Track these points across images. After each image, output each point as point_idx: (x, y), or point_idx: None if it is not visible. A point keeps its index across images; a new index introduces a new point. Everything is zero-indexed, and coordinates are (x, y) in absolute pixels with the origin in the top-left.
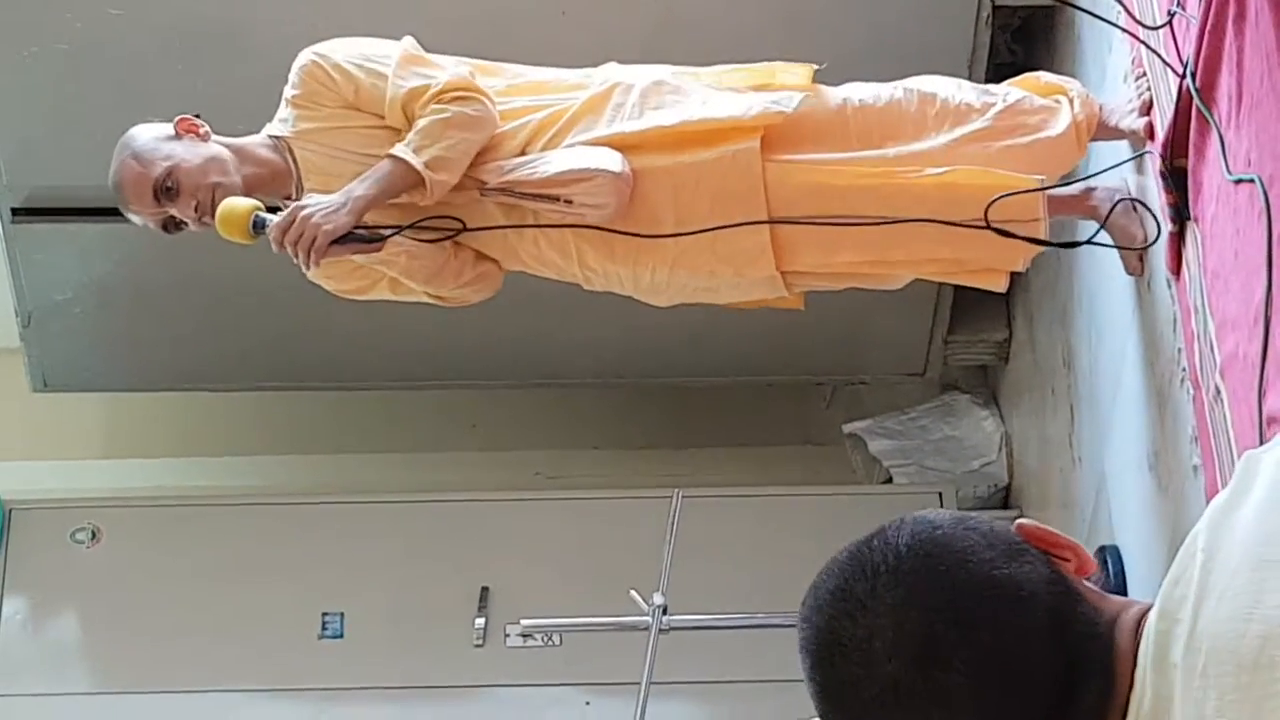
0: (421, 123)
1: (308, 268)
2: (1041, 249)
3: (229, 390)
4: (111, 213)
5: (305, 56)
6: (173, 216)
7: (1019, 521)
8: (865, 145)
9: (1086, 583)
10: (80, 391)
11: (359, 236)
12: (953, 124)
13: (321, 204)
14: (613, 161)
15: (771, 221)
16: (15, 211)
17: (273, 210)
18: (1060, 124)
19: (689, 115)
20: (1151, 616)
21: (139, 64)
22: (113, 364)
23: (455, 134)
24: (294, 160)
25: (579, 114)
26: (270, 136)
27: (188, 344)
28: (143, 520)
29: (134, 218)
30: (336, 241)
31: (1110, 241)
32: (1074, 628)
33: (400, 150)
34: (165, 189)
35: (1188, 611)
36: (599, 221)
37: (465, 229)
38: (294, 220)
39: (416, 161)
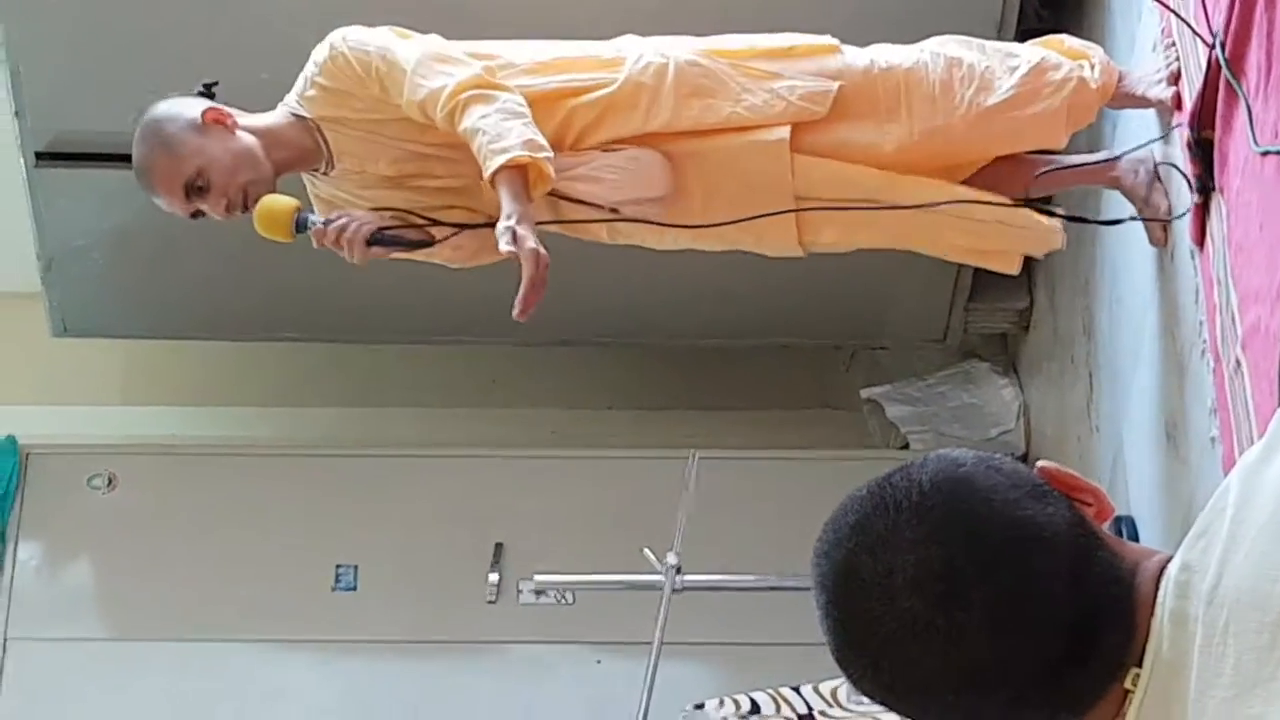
0: (481, 136)
1: (351, 261)
2: (1058, 248)
3: (248, 340)
4: (135, 165)
5: (333, 45)
6: (201, 211)
7: (1041, 463)
8: (892, 113)
9: (1105, 528)
10: (100, 337)
11: (408, 241)
12: (978, 90)
13: (522, 235)
14: (657, 184)
15: (797, 210)
16: (39, 156)
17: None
18: (1079, 87)
19: (724, 114)
20: (1172, 567)
21: (165, 8)
22: (133, 311)
23: (514, 122)
24: (325, 141)
25: (615, 103)
26: (295, 115)
27: (208, 293)
28: (159, 468)
29: (159, 202)
30: (384, 243)
31: (1133, 211)
32: (1095, 572)
33: (492, 163)
34: (196, 188)
35: (1212, 564)
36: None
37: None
38: (344, 230)
39: (519, 154)
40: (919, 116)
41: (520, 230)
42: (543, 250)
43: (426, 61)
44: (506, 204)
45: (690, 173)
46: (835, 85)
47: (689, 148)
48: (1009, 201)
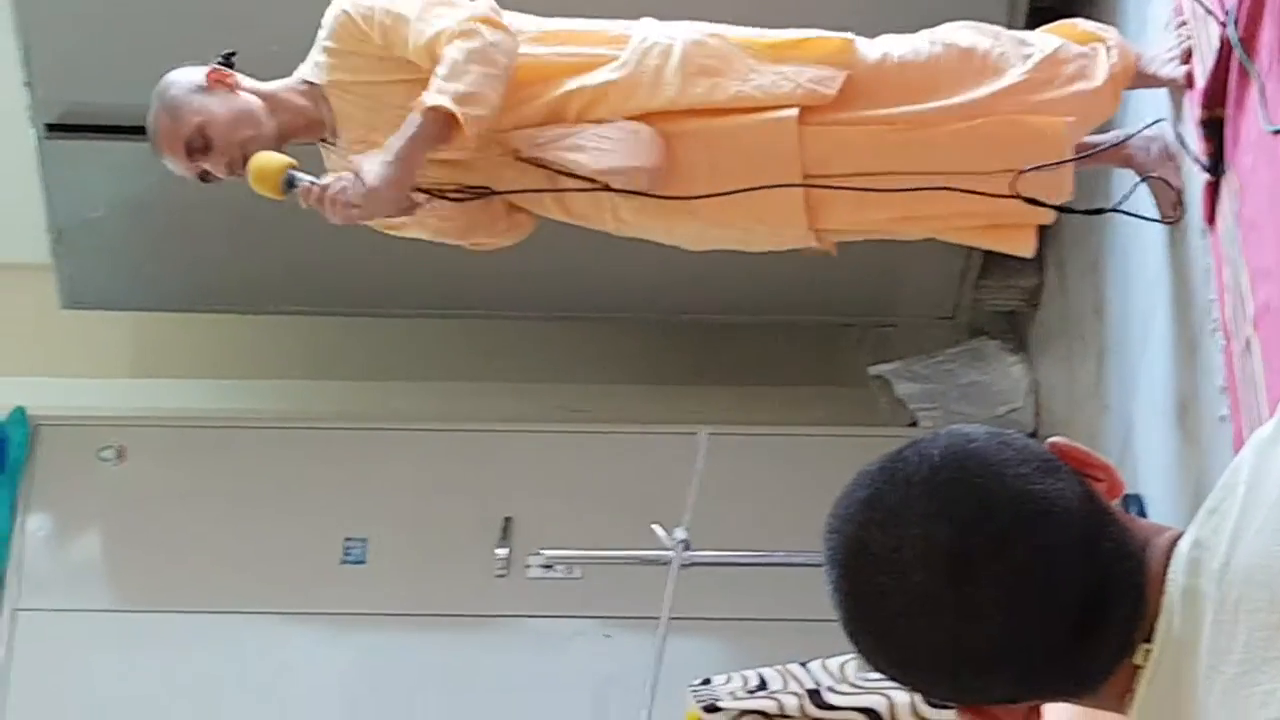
0: (441, 67)
1: (335, 222)
2: (1071, 189)
3: (258, 313)
4: (146, 131)
5: (339, 5)
6: (206, 172)
7: (1052, 439)
8: (903, 103)
9: (1116, 504)
10: (109, 310)
11: None
12: (990, 78)
13: (365, 171)
14: (646, 155)
15: (805, 185)
16: (50, 127)
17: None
18: (1097, 75)
19: (731, 93)
20: (1184, 543)
21: None
22: (142, 283)
23: (477, 68)
24: (329, 108)
25: (615, 83)
26: (304, 81)
27: (218, 266)
28: (168, 440)
29: (168, 164)
30: None
31: (1147, 193)
32: (1106, 547)
33: (427, 98)
34: (198, 146)
35: (1224, 542)
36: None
37: (493, 193)
38: (327, 189)
39: (445, 101)
40: (929, 104)
41: (345, 191)
42: (354, 211)
43: (430, 7)
44: (394, 138)
45: (696, 151)
46: (844, 72)
47: (695, 126)
48: (998, 192)
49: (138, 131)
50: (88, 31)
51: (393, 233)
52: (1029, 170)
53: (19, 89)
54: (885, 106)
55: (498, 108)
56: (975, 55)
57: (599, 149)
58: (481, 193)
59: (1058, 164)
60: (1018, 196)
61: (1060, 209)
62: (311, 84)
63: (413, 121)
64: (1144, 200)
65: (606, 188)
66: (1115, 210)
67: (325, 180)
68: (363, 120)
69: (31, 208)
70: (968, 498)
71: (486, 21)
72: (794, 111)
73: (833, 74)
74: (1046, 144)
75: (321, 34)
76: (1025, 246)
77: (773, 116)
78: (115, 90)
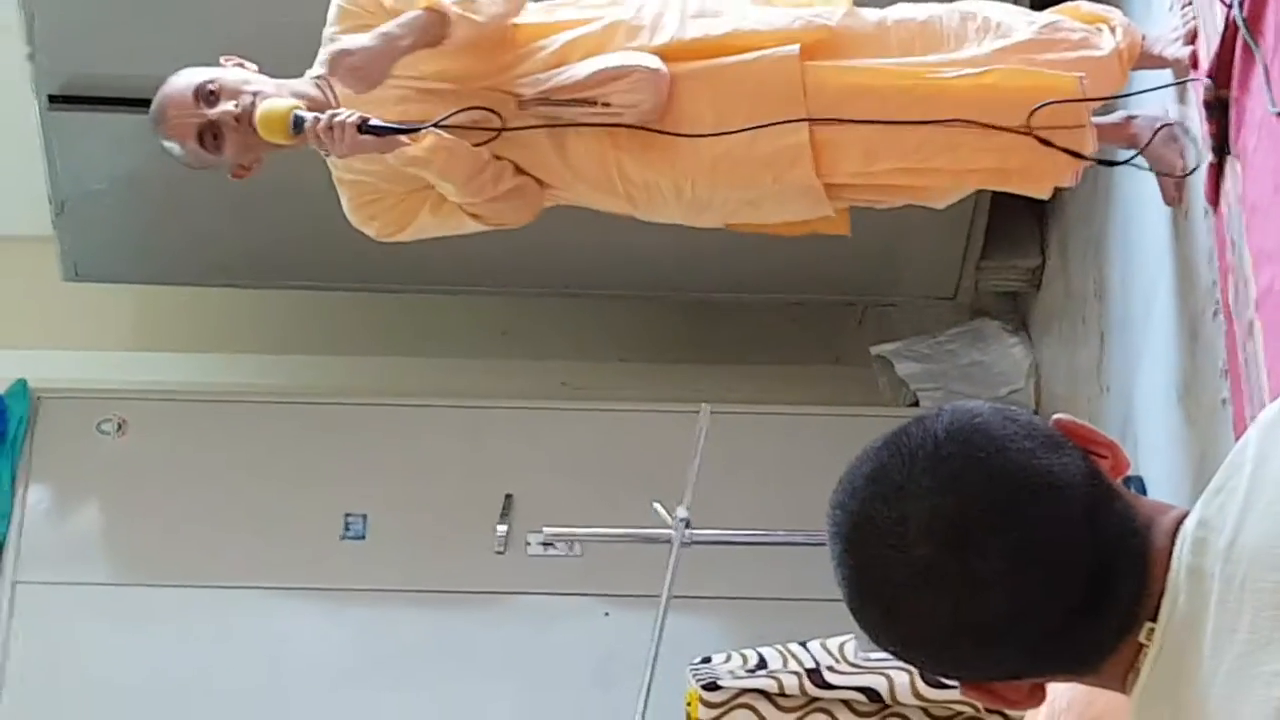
0: None
1: (342, 151)
2: (1089, 161)
3: (260, 288)
4: (150, 104)
5: None
6: (210, 126)
7: (1057, 416)
8: (907, 55)
9: (1120, 483)
10: (111, 282)
11: (396, 128)
12: (993, 35)
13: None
14: (647, 59)
15: (811, 120)
16: (52, 99)
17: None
18: (1103, 47)
19: (731, 27)
20: (1189, 522)
21: None
22: (144, 256)
23: None
24: (334, 95)
25: (617, 28)
26: (314, 78)
27: (221, 240)
28: (169, 414)
29: (171, 145)
30: (373, 130)
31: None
32: (1110, 523)
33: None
34: (207, 93)
35: (1229, 521)
36: (637, 120)
37: (505, 128)
38: (335, 115)
39: (447, 1)
40: (932, 56)
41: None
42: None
43: None
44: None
45: (700, 93)
46: (842, 8)
47: (697, 67)
48: (1014, 129)
49: (141, 103)
50: (90, 3)
51: (404, 236)
52: (1044, 106)
53: (22, 61)
54: (889, 57)
55: (490, 24)
56: (977, 17)
57: (589, 65)
58: (489, 121)
59: (1076, 101)
60: (1030, 133)
61: (1071, 153)
62: (319, 76)
63: (411, 13)
64: (1149, 182)
65: (605, 119)
66: (1129, 164)
67: (330, 111)
68: (365, 100)
69: (34, 180)
70: (972, 471)
71: None
72: (795, 48)
73: (831, 9)
74: (1060, 98)
75: (325, 29)
76: (1043, 189)
77: (774, 53)
78: (118, 62)
